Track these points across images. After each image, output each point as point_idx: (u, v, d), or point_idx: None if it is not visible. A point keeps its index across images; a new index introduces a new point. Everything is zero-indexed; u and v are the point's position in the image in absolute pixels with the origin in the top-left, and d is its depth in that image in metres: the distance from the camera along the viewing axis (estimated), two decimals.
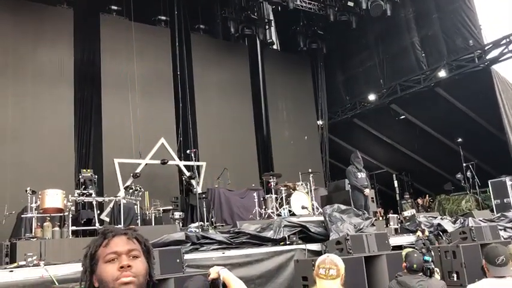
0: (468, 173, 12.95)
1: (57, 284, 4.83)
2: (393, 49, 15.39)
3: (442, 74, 13.64)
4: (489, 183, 12.13)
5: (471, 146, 13.80)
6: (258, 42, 16.00)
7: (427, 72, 14.25)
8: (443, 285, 4.40)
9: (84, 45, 12.94)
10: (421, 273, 4.34)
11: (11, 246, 6.12)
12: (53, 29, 12.35)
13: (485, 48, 12.94)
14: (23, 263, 5.17)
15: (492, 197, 11.92)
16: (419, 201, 15.35)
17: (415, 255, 4.48)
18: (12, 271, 4.96)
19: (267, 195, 10.62)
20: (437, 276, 4.73)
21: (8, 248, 6.08)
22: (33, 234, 7.25)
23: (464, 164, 13.15)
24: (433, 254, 6.45)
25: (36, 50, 12.03)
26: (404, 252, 4.93)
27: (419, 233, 7.91)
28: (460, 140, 14.09)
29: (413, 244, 7.63)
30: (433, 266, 4.54)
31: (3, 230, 8.49)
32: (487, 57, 12.91)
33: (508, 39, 12.46)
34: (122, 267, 1.42)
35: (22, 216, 7.86)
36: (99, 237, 1.52)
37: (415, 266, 4.34)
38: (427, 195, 15.51)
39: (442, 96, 14.18)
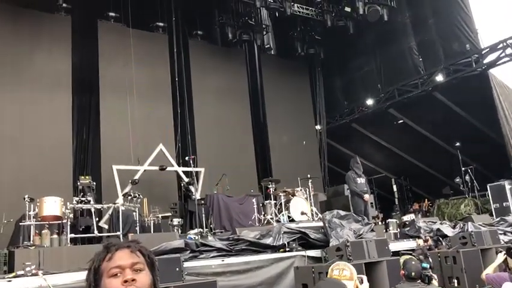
0: (467, 177, 12.96)
1: None
2: (390, 54, 15.44)
3: (440, 78, 13.69)
4: (488, 187, 12.14)
5: (469, 150, 13.82)
6: (255, 47, 16.03)
7: (424, 76, 14.30)
8: None
9: (82, 52, 12.90)
10: (419, 281, 4.31)
11: (9, 254, 6.07)
12: (51, 36, 12.33)
13: (482, 53, 12.99)
14: (21, 272, 5.13)
15: (491, 201, 11.91)
16: (415, 206, 15.33)
17: (413, 262, 4.44)
18: (10, 281, 4.93)
19: (266, 201, 10.57)
20: (435, 283, 4.70)
21: (6, 256, 6.03)
22: (31, 242, 7.20)
23: (462, 168, 13.16)
24: (431, 260, 6.42)
25: (34, 58, 12.01)
26: (402, 259, 4.89)
27: (420, 242, 7.82)
28: (458, 144, 14.11)
29: (412, 249, 7.59)
30: (431, 273, 4.50)
31: (1, 238, 8.43)
32: (484, 61, 12.95)
33: (504, 43, 12.52)
34: (126, 281, 1.41)
35: (20, 224, 7.81)
36: (102, 251, 1.51)
37: (413, 274, 4.31)
38: (426, 200, 15.50)
39: (440, 101, 14.22)
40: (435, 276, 4.97)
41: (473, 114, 13.83)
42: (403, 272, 4.42)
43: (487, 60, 12.94)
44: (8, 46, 11.59)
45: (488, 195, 12.25)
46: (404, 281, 4.38)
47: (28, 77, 11.78)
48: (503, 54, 12.59)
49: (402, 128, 15.74)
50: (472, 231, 7.59)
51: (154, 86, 13.55)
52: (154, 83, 13.58)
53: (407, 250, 7.43)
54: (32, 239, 7.33)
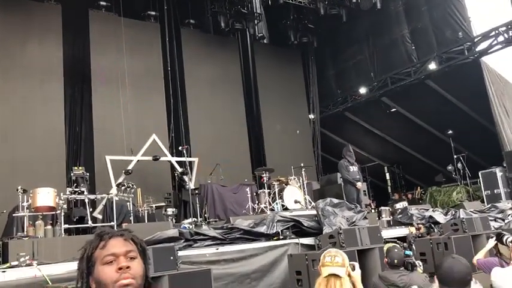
0: (459, 165, 13.08)
1: (50, 283, 4.81)
2: (383, 42, 15.44)
3: (432, 66, 13.72)
4: (480, 174, 12.24)
5: (462, 138, 13.92)
6: (248, 36, 15.94)
7: (417, 64, 14.32)
8: (424, 278, 4.38)
9: (73, 41, 12.81)
10: (402, 268, 4.33)
11: (3, 245, 6.06)
12: (42, 25, 12.22)
13: (475, 40, 13.01)
14: (16, 263, 5.13)
15: (483, 188, 12.02)
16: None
17: (396, 250, 4.47)
18: (4, 271, 4.93)
19: (259, 190, 10.62)
20: (419, 270, 4.72)
21: (0, 247, 6.03)
22: (25, 233, 7.18)
23: (455, 156, 13.27)
24: (414, 248, 6.48)
25: (24, 47, 11.90)
26: (385, 247, 4.92)
27: (412, 230, 7.88)
28: (450, 131, 14.19)
29: (404, 236, 7.67)
30: (414, 260, 4.52)
31: None
32: (477, 49, 12.98)
33: (496, 31, 12.55)
34: (120, 268, 1.41)
35: (13, 215, 7.80)
36: (94, 238, 1.50)
37: (396, 261, 4.34)
38: (419, 187, 15.64)
39: (433, 89, 14.27)
40: (419, 263, 5.02)
41: (465, 102, 13.89)
42: (386, 259, 4.45)
43: (479, 48, 12.97)
44: None
45: (479, 183, 12.36)
46: (388, 268, 4.42)
47: (19, 67, 11.69)
48: (495, 42, 12.62)
49: (395, 116, 15.79)
50: (463, 218, 7.67)
51: (147, 75, 13.49)
52: (147, 72, 13.51)
53: (398, 237, 7.53)
54: (25, 230, 7.31)
